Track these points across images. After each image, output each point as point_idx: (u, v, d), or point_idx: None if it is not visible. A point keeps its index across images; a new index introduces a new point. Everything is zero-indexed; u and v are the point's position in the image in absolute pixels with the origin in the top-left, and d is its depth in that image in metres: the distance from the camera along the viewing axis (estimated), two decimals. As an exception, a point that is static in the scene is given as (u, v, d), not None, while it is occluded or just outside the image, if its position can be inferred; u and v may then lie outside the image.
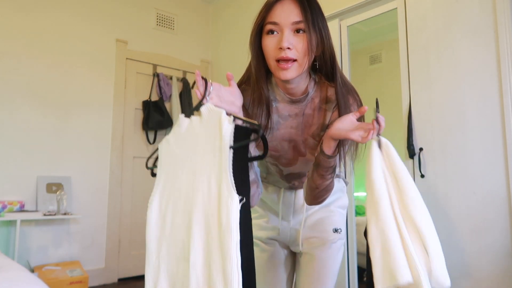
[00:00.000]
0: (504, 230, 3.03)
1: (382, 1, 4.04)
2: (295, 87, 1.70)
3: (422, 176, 3.49)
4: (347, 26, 4.32)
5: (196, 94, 1.46)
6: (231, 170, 1.29)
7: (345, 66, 4.31)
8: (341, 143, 1.61)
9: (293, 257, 2.10)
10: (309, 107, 1.75)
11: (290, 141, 1.80)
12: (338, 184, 2.00)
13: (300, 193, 2.01)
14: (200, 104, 1.44)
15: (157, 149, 1.56)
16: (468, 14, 3.35)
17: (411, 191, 1.38)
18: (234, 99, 1.57)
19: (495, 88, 3.15)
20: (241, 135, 1.36)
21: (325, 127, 1.74)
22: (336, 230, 1.99)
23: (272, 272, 2.05)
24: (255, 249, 2.07)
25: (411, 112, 3.62)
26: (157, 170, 1.52)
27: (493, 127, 3.14)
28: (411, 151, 3.55)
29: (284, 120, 1.77)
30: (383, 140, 1.46)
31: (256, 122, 1.43)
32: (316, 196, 1.75)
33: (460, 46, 3.37)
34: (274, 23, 1.58)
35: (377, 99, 1.55)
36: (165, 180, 1.48)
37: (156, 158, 1.59)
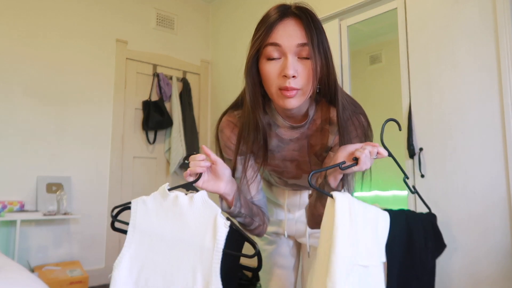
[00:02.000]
0: (505, 230, 3.01)
1: (382, 1, 4.01)
2: (296, 112, 1.60)
3: (422, 176, 3.48)
4: (347, 26, 4.30)
5: (185, 176, 1.47)
6: (219, 275, 1.28)
7: (345, 66, 4.30)
8: (345, 175, 1.52)
9: (299, 247, 2.09)
10: (310, 128, 1.68)
11: (293, 161, 1.75)
12: None
13: (305, 194, 1.98)
14: (190, 185, 1.45)
15: (129, 203, 1.47)
16: (468, 14, 3.33)
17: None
18: (221, 173, 1.53)
19: (495, 88, 3.13)
20: (234, 239, 1.36)
21: (328, 148, 1.68)
22: None
23: (280, 261, 2.04)
24: (263, 242, 2.08)
25: (411, 112, 3.60)
26: (129, 230, 1.42)
27: (493, 127, 3.13)
28: (411, 151, 3.53)
29: (285, 144, 1.71)
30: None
31: (251, 240, 1.41)
32: (319, 222, 1.70)
33: (460, 46, 3.36)
34: (276, 45, 1.44)
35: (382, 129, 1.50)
36: (138, 247, 1.39)
37: (122, 209, 1.52)
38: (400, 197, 5.18)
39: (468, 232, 3.20)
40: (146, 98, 5.63)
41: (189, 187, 1.46)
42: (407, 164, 3.61)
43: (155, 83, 5.72)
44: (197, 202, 1.37)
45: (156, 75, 5.73)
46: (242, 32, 5.69)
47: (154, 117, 5.50)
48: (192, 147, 5.71)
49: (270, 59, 1.46)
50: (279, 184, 1.94)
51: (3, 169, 4.50)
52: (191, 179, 1.47)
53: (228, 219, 1.36)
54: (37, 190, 4.62)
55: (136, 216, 1.42)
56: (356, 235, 1.25)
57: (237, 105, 1.74)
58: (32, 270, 4.28)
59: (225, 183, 1.54)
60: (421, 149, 3.52)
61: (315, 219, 1.63)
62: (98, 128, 5.23)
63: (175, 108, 5.69)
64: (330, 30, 4.37)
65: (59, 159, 4.87)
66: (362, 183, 1.63)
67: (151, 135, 5.65)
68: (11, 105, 4.61)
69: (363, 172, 1.58)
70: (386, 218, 1.39)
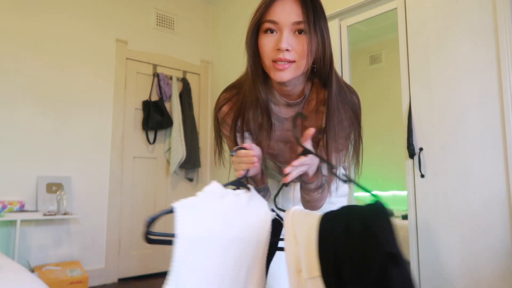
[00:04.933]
0: (504, 230, 3.02)
1: (382, 1, 4.03)
2: (292, 89, 1.63)
3: (422, 176, 3.48)
4: (347, 26, 4.32)
5: (237, 173, 1.50)
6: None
7: (345, 66, 4.30)
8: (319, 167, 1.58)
9: None
10: (305, 109, 1.70)
11: (286, 142, 1.76)
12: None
13: (298, 187, 1.96)
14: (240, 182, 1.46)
15: (169, 210, 1.18)
16: (468, 14, 3.34)
17: None
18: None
19: (495, 88, 3.14)
20: (273, 226, 1.38)
21: (322, 130, 1.67)
22: None
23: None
24: None
25: (411, 112, 3.61)
26: (178, 241, 1.11)
27: (493, 127, 3.14)
28: (411, 151, 3.54)
29: (280, 123, 1.72)
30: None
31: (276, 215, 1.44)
32: (312, 206, 1.73)
33: (460, 46, 3.37)
34: (273, 22, 1.48)
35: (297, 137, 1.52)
36: (197, 256, 1.17)
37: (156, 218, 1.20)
38: (400, 197, 5.19)
39: (467, 231, 3.20)
40: (146, 98, 5.63)
41: (240, 183, 1.47)
42: (407, 164, 3.61)
43: (155, 83, 5.72)
44: (254, 199, 1.38)
45: (156, 75, 5.73)
46: (242, 31, 5.60)
47: (154, 117, 5.51)
48: (192, 147, 5.73)
49: (267, 33, 1.51)
50: (274, 170, 1.94)
51: (3, 169, 4.50)
52: (241, 173, 1.50)
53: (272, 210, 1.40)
54: (37, 190, 4.62)
55: (187, 223, 1.17)
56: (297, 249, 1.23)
57: (234, 85, 1.76)
58: (32, 270, 4.29)
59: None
60: (421, 149, 3.52)
61: (306, 203, 1.70)
62: (98, 128, 5.23)
63: (175, 108, 5.71)
64: (330, 30, 4.28)
65: (59, 159, 4.87)
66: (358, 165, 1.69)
67: (151, 135, 5.65)
68: (11, 105, 4.61)
69: (358, 150, 1.66)
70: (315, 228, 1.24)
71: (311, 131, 1.47)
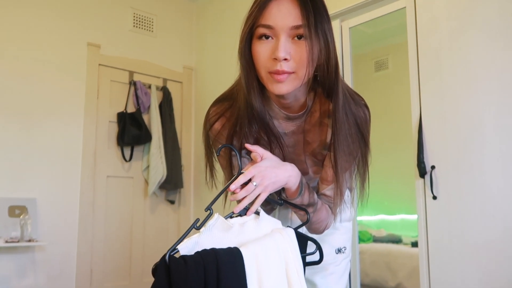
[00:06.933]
0: (529, 260, 3.01)
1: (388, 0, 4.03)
2: (292, 101, 1.62)
3: (434, 197, 3.43)
4: (349, 28, 4.27)
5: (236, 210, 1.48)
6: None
7: (347, 73, 4.30)
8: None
9: None
10: (308, 122, 1.69)
11: (286, 160, 1.71)
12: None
13: None
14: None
15: (173, 250, 1.32)
16: (487, 13, 3.28)
17: None
18: (277, 173, 1.53)
19: (517, 99, 3.13)
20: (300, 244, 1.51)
21: (326, 145, 1.69)
22: (339, 250, 1.96)
23: None
24: None
25: (422, 125, 3.58)
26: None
27: (515, 142, 3.14)
28: (422, 169, 3.50)
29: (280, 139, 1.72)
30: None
31: (310, 237, 1.59)
32: (312, 229, 1.74)
33: (478, 50, 3.31)
34: (268, 27, 1.45)
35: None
36: None
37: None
38: (409, 222, 5.18)
39: (486, 261, 3.14)
40: (121, 109, 5.57)
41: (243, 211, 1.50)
42: (417, 184, 3.57)
43: (131, 92, 5.67)
44: (263, 225, 1.44)
45: (132, 83, 5.68)
46: (231, 34, 5.56)
47: (131, 131, 5.46)
48: (174, 165, 5.69)
49: (262, 39, 1.48)
50: None
51: (-42, 190, 4.42)
52: (241, 207, 1.49)
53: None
54: (-3, 214, 4.60)
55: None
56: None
57: (225, 96, 1.75)
58: (-9, 306, 4.22)
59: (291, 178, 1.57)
60: (433, 167, 3.48)
61: (309, 230, 1.75)
62: (67, 143, 5.15)
63: (154, 121, 5.66)
64: (330, 32, 4.29)
65: (22, 179, 4.79)
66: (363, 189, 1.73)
67: (127, 151, 5.59)
68: (-33, 118, 4.55)
69: (364, 169, 1.70)
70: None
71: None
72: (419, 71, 3.66)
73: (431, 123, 3.55)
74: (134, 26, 5.87)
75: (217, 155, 1.67)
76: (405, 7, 3.81)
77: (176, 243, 1.30)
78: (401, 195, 5.17)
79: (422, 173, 3.52)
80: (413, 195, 3.61)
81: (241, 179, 1.45)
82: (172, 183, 5.68)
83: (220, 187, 1.67)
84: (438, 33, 3.56)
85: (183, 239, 1.31)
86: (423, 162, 3.51)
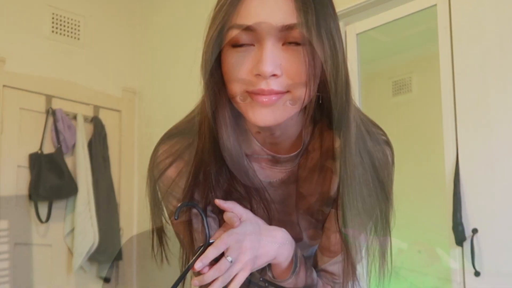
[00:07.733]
0: None
1: (411, -5, 3.86)
2: (281, 136, 1.49)
3: (477, 273, 3.41)
4: (357, 34, 4.15)
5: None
6: None
7: (354, 98, 4.18)
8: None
9: None
10: (304, 166, 1.58)
11: (274, 222, 1.64)
12: None
13: None
14: None
15: None
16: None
17: None
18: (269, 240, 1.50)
19: None
20: None
21: (330, 200, 1.59)
22: None
23: None
24: None
25: (459, 172, 3.54)
26: None
27: None
28: (460, 234, 3.49)
29: (262, 191, 1.60)
30: None
31: None
32: None
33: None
34: (247, 28, 1.28)
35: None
36: None
37: None
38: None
39: None
40: (35, 149, 5.34)
41: None
42: (454, 254, 3.57)
43: (49, 125, 5.42)
44: None
45: (51, 112, 5.44)
46: (189, 42, 5.55)
47: (48, 180, 5.24)
48: (109, 227, 5.47)
49: (237, 46, 1.34)
50: None
51: None
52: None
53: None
54: None
55: None
56: None
57: (181, 130, 1.65)
58: None
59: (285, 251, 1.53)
60: (474, 231, 3.48)
61: None
62: (-43, 197, 4.72)
63: (81, 166, 5.44)
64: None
65: None
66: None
67: (43, 208, 5.31)
68: None
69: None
70: None
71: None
72: (455, 96, 3.59)
73: (473, 170, 3.50)
74: (53, 31, 5.54)
75: (175, 218, 1.53)
76: (435, 4, 3.69)
77: None
78: (430, 269, 5.21)
79: (460, 239, 3.52)
80: (447, 270, 3.65)
81: (211, 253, 1.38)
82: (106, 254, 5.47)
83: (173, 262, 1.64)
84: (484, 43, 3.43)
85: None
86: (461, 224, 3.54)
